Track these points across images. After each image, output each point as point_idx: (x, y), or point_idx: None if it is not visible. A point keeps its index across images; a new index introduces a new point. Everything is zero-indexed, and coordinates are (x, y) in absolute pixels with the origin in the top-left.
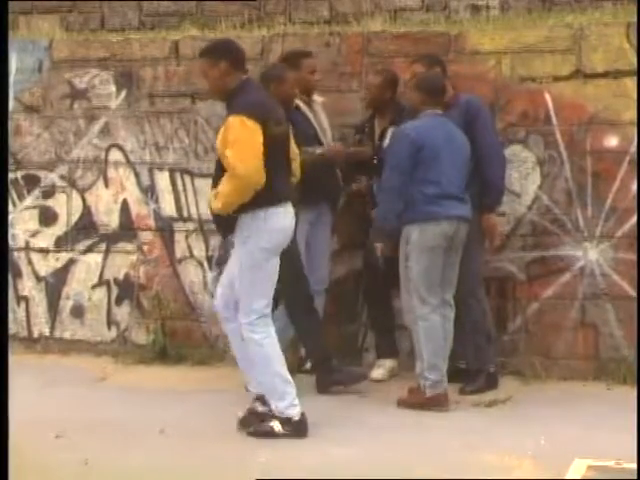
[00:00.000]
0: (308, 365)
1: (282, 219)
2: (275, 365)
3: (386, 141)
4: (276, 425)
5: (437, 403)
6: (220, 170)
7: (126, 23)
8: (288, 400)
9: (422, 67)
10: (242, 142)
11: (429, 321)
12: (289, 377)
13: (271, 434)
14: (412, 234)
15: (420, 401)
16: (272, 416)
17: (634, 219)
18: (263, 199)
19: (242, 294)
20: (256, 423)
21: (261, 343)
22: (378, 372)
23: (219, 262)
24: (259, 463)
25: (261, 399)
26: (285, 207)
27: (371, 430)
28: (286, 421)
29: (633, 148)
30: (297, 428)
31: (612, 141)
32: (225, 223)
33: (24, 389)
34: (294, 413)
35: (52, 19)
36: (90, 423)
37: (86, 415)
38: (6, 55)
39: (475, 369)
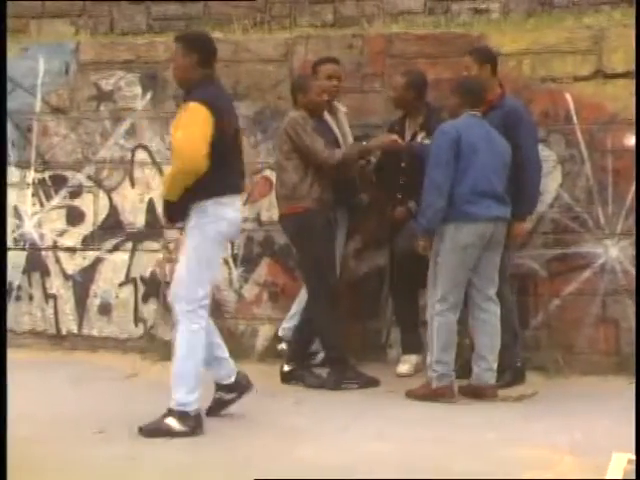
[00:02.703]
0: (318, 359)
1: (227, 210)
2: (199, 356)
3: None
4: (173, 422)
5: (443, 395)
6: None
7: (135, 26)
8: (195, 395)
9: (473, 61)
10: (192, 126)
11: (445, 318)
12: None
13: (169, 432)
14: (447, 232)
15: (427, 393)
16: (169, 413)
17: None
18: (209, 189)
19: (187, 282)
20: (154, 421)
21: (196, 332)
22: (404, 367)
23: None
24: (296, 458)
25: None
26: (231, 198)
27: (403, 425)
28: (184, 416)
29: None
30: (195, 424)
31: (632, 140)
32: (173, 211)
33: (57, 386)
34: (193, 409)
35: (62, 23)
36: (129, 418)
37: (124, 410)
38: (4, 55)
39: (502, 365)
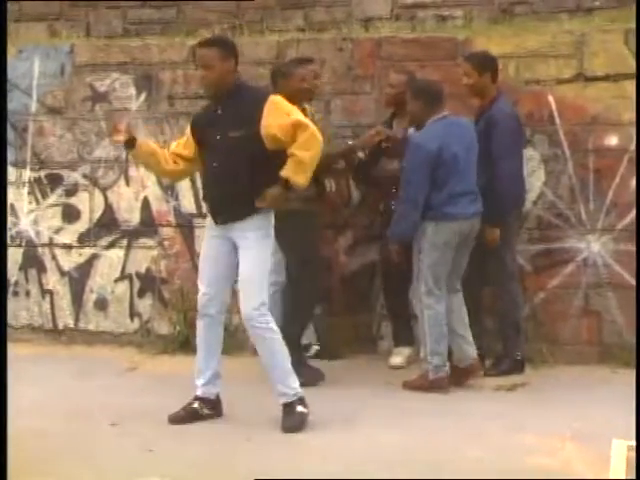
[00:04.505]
0: (313, 351)
1: None
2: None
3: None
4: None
5: (440, 386)
6: (267, 156)
7: (111, 30)
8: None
9: (473, 69)
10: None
11: (434, 310)
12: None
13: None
14: (428, 230)
15: (425, 384)
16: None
17: (634, 213)
18: None
19: (258, 287)
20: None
21: (276, 331)
22: (397, 359)
23: None
24: (312, 449)
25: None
26: None
27: (406, 415)
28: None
29: (632, 146)
30: None
31: (612, 140)
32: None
33: (61, 379)
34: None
35: (40, 27)
36: (139, 411)
37: (132, 403)
38: (5, 55)
39: (501, 354)
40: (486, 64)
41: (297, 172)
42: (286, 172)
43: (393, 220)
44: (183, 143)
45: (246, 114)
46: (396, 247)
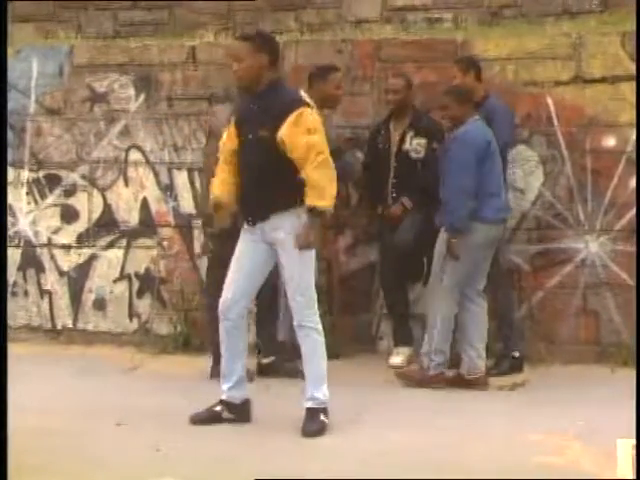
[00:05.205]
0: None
1: None
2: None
3: (406, 145)
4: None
5: (439, 381)
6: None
7: (102, 32)
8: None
9: (459, 70)
10: (322, 133)
11: (447, 310)
12: None
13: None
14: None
15: (424, 379)
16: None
17: (632, 213)
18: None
19: (307, 286)
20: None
21: (322, 333)
22: (397, 359)
23: None
24: (321, 448)
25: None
26: None
27: (410, 414)
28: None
29: (630, 147)
30: None
31: (610, 141)
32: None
33: (62, 379)
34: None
35: (31, 27)
36: (144, 410)
37: (136, 403)
38: (5, 55)
39: (500, 354)
40: (468, 65)
41: (319, 197)
42: (310, 200)
43: (447, 211)
44: (230, 136)
45: (275, 115)
46: (455, 239)
